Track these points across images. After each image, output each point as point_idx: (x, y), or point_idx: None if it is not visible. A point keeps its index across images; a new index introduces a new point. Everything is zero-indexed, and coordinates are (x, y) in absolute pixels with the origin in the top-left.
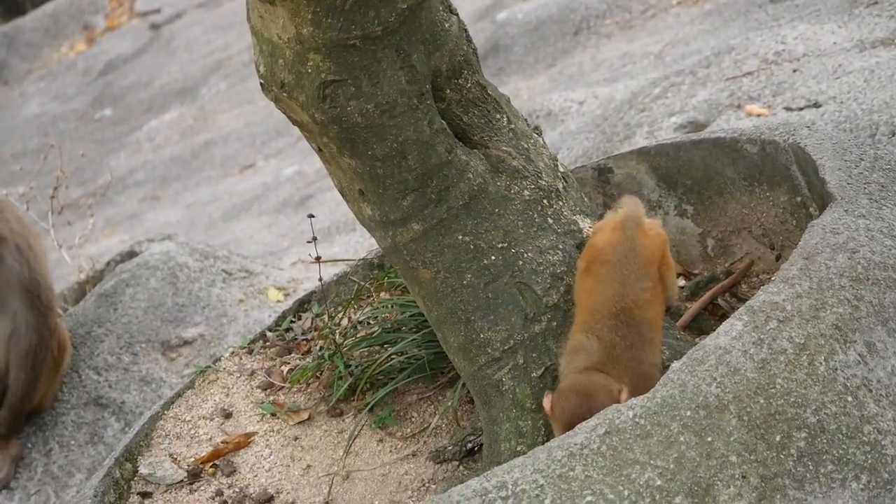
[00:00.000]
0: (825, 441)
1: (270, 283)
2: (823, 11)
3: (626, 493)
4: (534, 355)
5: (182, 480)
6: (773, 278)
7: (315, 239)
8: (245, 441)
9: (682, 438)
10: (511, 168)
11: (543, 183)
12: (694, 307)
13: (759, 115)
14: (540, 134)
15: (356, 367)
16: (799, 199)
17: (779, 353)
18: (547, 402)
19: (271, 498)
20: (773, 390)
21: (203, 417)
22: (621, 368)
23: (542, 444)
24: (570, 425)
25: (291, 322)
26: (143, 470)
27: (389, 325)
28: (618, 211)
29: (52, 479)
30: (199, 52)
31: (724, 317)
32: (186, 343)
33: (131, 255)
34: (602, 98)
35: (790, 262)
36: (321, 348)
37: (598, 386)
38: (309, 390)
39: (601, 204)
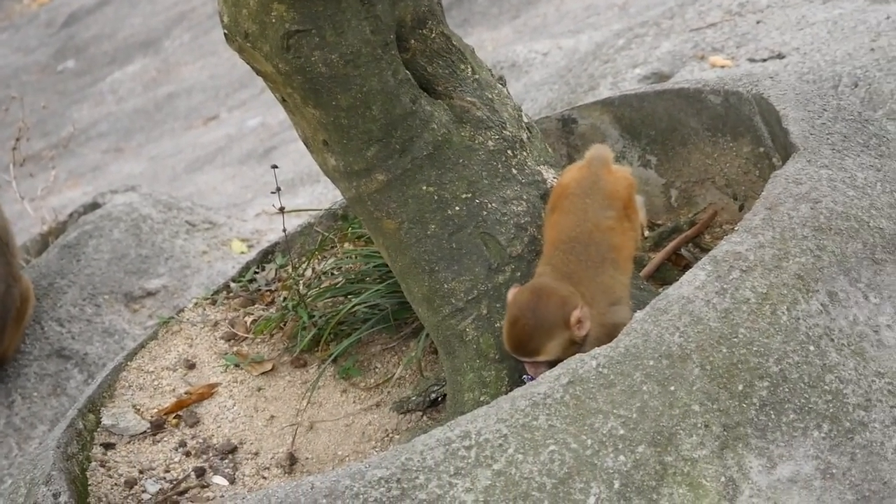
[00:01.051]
0: (787, 390)
1: (234, 235)
2: None
3: (589, 442)
4: (497, 305)
5: (145, 431)
6: (736, 228)
7: (279, 190)
8: (208, 392)
9: (645, 388)
10: (475, 118)
11: (507, 133)
12: (657, 257)
13: (722, 67)
14: (504, 84)
15: (320, 317)
16: (762, 149)
17: (741, 303)
18: (511, 293)
19: (235, 448)
20: (735, 340)
21: (166, 368)
22: (577, 283)
23: (506, 394)
24: (511, 320)
25: (255, 273)
26: (105, 421)
27: (353, 276)
28: (585, 156)
29: (15, 430)
30: (162, 3)
31: (687, 267)
32: (150, 294)
33: (94, 206)
34: (566, 49)
35: (753, 212)
36: (285, 299)
37: (555, 294)
38: (272, 341)
39: (565, 155)
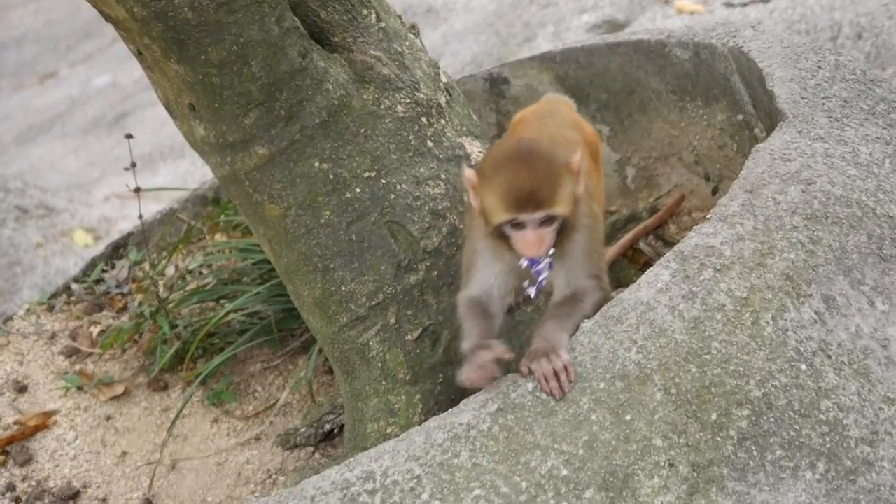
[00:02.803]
0: (773, 420)
1: (77, 223)
2: None
3: (523, 485)
4: (409, 313)
5: None
6: (708, 216)
7: (134, 166)
8: (44, 422)
9: (594, 417)
10: (381, 77)
11: (421, 96)
12: (610, 253)
13: (692, 13)
14: (417, 35)
15: (185, 328)
16: (741, 117)
17: (715, 310)
18: (469, 172)
19: (77, 493)
20: (707, 356)
21: None
22: None
23: (420, 423)
24: (511, 171)
25: (103, 272)
26: None
27: (227, 276)
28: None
29: None
30: None
31: (647, 265)
32: None
33: None
34: None
35: (730, 196)
36: (140, 304)
37: (546, 143)
38: (125, 358)
39: (494, 123)
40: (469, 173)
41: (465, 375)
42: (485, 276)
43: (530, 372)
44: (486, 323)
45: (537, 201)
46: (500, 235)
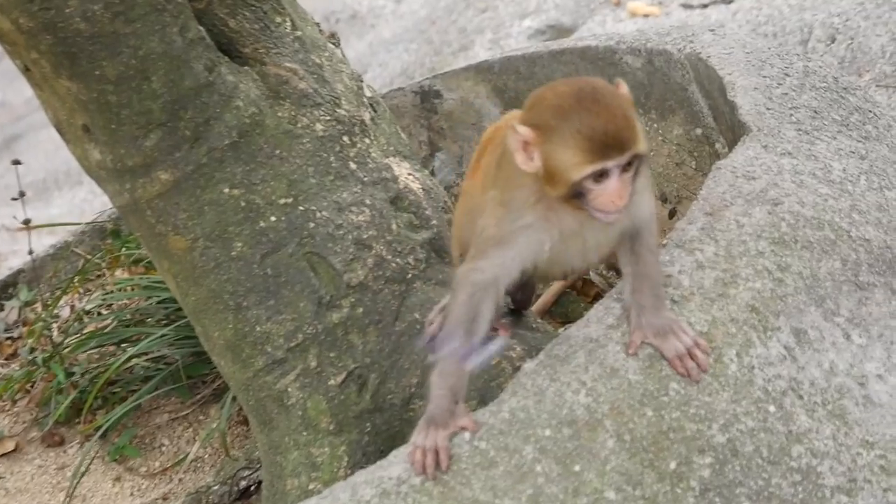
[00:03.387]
0: (738, 469)
1: None
2: None
3: None
4: (331, 355)
5: None
6: (665, 242)
7: (23, 195)
8: None
9: (538, 468)
10: (297, 92)
11: (343, 113)
12: (555, 286)
13: (646, 16)
14: (338, 44)
15: (82, 375)
16: (700, 131)
17: None
18: (523, 130)
19: None
20: (665, 398)
21: None
22: None
23: (345, 478)
24: (582, 134)
25: None
26: None
27: (129, 316)
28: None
29: None
30: None
31: (597, 297)
32: None
33: None
34: None
35: (688, 218)
36: (32, 350)
37: (597, 79)
38: (16, 410)
39: (426, 141)
40: (524, 130)
41: (413, 450)
42: (513, 258)
43: (640, 346)
44: (477, 337)
45: (623, 142)
46: (571, 197)
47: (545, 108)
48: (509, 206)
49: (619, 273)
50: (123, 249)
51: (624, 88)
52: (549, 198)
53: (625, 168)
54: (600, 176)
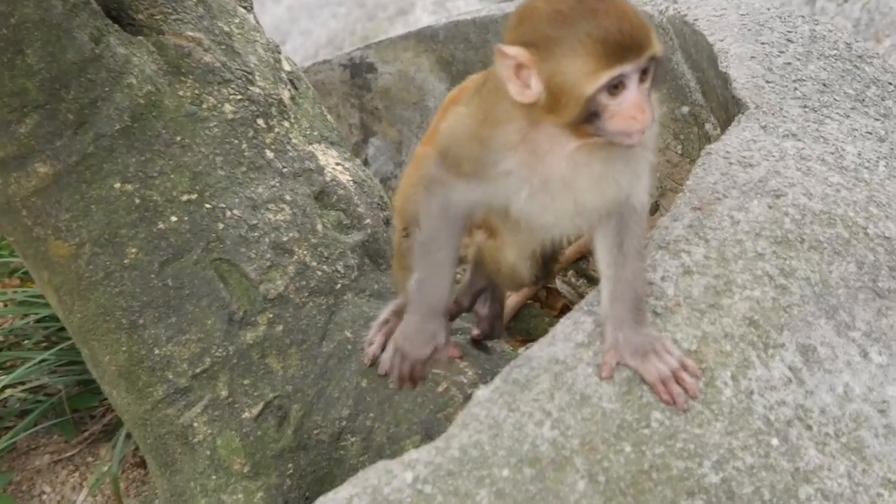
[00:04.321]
0: None
1: None
2: None
3: None
4: (245, 382)
5: None
6: (644, 243)
7: None
8: None
9: None
10: (202, 66)
11: (257, 91)
12: (515, 297)
13: None
14: (250, 8)
15: None
16: (686, 109)
17: None
18: (512, 50)
19: None
20: (646, 431)
21: None
22: None
23: None
24: (593, 37)
25: None
26: None
27: (1, 338)
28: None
29: None
30: None
31: (565, 310)
32: None
33: None
34: None
35: (673, 215)
36: None
37: None
38: None
39: (357, 124)
40: (516, 51)
41: (392, 364)
42: (482, 198)
43: (616, 368)
44: (452, 270)
45: (640, 41)
46: (583, 122)
47: (540, 20)
48: (488, 146)
49: (590, 280)
50: None
51: None
52: (539, 137)
53: (641, 78)
54: (615, 88)
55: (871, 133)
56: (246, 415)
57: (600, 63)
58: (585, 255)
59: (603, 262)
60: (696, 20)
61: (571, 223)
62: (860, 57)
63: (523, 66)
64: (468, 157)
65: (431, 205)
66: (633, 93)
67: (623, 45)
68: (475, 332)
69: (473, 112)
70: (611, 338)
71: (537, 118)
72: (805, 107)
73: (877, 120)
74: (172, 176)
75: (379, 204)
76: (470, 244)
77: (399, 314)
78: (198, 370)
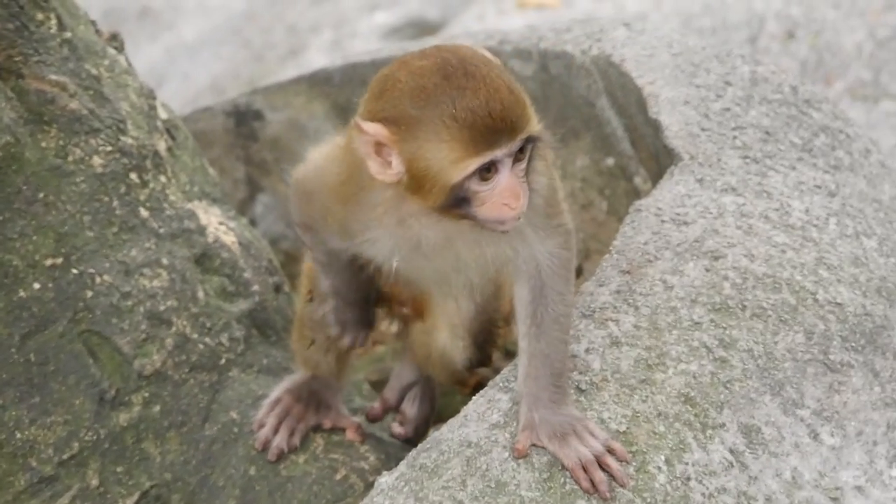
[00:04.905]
0: None
1: None
2: None
3: None
4: (119, 470)
5: None
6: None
7: None
8: None
9: None
10: (67, 114)
11: (129, 142)
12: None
13: (539, 6)
14: (121, 49)
15: None
16: (612, 160)
17: None
18: (371, 127)
19: None
20: None
21: None
22: None
23: None
24: (460, 120)
25: None
26: None
27: None
28: None
29: None
30: None
31: (479, 386)
32: None
33: None
34: None
35: (598, 279)
36: None
37: (469, 48)
38: None
39: (243, 179)
40: (374, 128)
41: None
42: (353, 252)
43: (524, 451)
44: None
45: (513, 122)
46: (450, 207)
47: (402, 95)
48: (352, 212)
49: (506, 353)
50: None
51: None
52: (405, 208)
53: (516, 157)
54: (486, 172)
55: (819, 187)
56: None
57: (468, 150)
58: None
59: (518, 333)
60: (622, 60)
61: (463, 278)
62: (807, 101)
63: (383, 144)
64: (331, 213)
65: (315, 248)
66: (506, 177)
67: (494, 129)
68: (397, 429)
69: (336, 166)
70: (525, 418)
71: (402, 194)
72: (746, 157)
73: (826, 172)
74: (35, 238)
75: (268, 268)
76: (394, 329)
77: (294, 393)
78: (65, 456)
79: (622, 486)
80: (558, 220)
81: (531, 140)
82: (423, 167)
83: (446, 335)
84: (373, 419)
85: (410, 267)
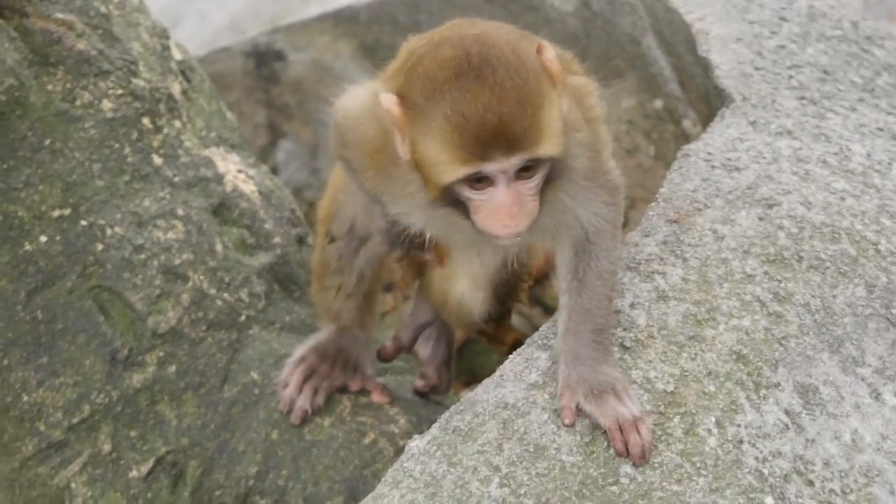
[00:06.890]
0: None
1: None
2: None
3: None
4: (132, 434)
5: None
6: None
7: None
8: None
9: None
10: (75, 55)
11: (141, 84)
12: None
13: None
14: None
15: None
16: (660, 102)
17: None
18: (387, 100)
19: None
20: (614, 489)
21: None
22: None
23: None
24: (453, 122)
25: None
26: None
27: None
28: None
29: None
30: None
31: (516, 344)
32: None
33: None
34: None
35: (644, 229)
36: None
37: (502, 33)
38: None
39: (263, 123)
40: (388, 103)
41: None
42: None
43: (562, 411)
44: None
45: (512, 139)
46: (449, 204)
47: (416, 77)
48: (388, 180)
49: (545, 309)
50: None
51: (549, 54)
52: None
53: (520, 175)
54: (479, 182)
55: (882, 129)
56: (133, 473)
57: (456, 155)
58: (543, 276)
59: (559, 288)
60: None
61: (498, 247)
62: (869, 38)
63: (400, 120)
64: (366, 173)
65: (353, 180)
66: (502, 193)
67: (483, 141)
68: (419, 382)
69: (372, 129)
70: (563, 376)
71: None
72: (803, 98)
73: (889, 114)
74: (41, 187)
75: (290, 219)
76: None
77: (320, 351)
78: (75, 420)
79: (645, 460)
80: (604, 178)
81: (538, 161)
82: (420, 157)
83: (466, 284)
84: (384, 359)
85: (444, 236)
